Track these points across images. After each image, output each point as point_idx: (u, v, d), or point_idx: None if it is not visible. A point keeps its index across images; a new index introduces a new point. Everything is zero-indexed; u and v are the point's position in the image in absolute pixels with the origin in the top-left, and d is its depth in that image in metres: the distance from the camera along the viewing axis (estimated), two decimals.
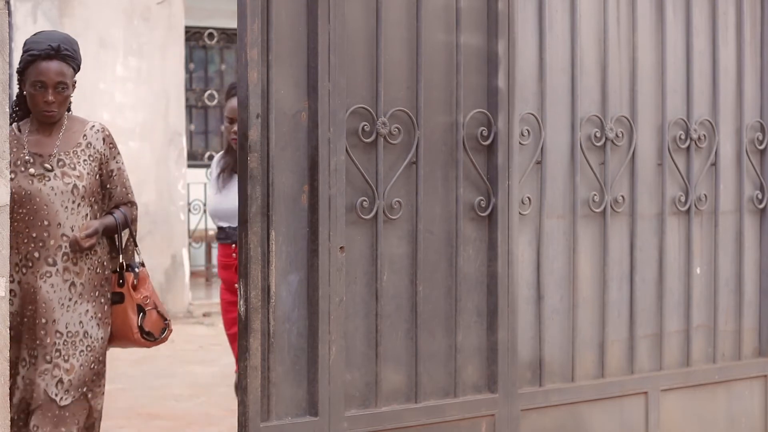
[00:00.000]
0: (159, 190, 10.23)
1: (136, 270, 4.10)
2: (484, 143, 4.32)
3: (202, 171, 12.07)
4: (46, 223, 3.92)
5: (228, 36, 12.93)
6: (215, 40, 13.06)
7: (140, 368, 7.95)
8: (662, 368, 4.86)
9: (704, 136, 5.00)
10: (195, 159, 12.65)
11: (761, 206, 5.22)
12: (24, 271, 3.92)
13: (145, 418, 6.48)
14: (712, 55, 5.04)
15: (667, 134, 4.87)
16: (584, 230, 4.65)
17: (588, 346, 4.66)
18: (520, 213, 4.41)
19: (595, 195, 4.66)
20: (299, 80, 3.92)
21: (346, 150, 3.97)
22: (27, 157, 3.96)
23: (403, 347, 4.15)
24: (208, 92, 13.10)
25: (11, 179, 3.66)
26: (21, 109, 4.07)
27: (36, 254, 3.92)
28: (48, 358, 3.91)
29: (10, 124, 3.85)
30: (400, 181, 4.13)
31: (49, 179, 3.94)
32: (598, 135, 4.67)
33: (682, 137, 4.94)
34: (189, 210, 11.31)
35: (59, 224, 3.93)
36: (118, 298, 4.07)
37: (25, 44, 4.01)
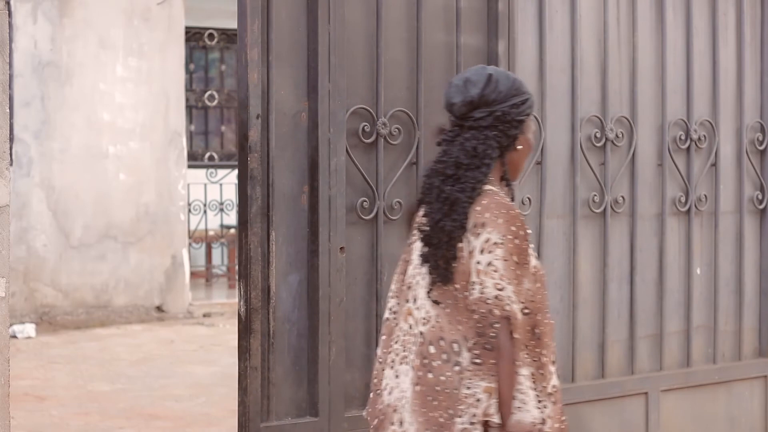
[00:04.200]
0: (159, 191, 10.22)
1: None
2: None
3: (202, 171, 12.06)
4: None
5: (228, 36, 12.91)
6: (215, 40, 13.04)
7: (140, 368, 7.95)
8: (662, 369, 4.86)
9: (704, 136, 4.99)
10: (195, 159, 12.63)
11: (761, 207, 5.21)
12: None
13: (146, 419, 6.47)
14: (712, 56, 5.03)
15: (667, 135, 4.87)
16: (584, 231, 4.65)
17: (588, 347, 4.66)
18: None
19: (595, 195, 4.66)
20: (299, 81, 3.92)
21: (347, 150, 3.97)
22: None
23: None
24: (208, 93, 13.08)
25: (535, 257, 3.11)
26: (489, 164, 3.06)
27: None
28: None
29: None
30: (401, 182, 4.12)
31: None
32: (598, 135, 4.67)
33: (682, 138, 4.93)
34: (189, 210, 11.30)
35: None
36: None
37: (519, 88, 3.11)
